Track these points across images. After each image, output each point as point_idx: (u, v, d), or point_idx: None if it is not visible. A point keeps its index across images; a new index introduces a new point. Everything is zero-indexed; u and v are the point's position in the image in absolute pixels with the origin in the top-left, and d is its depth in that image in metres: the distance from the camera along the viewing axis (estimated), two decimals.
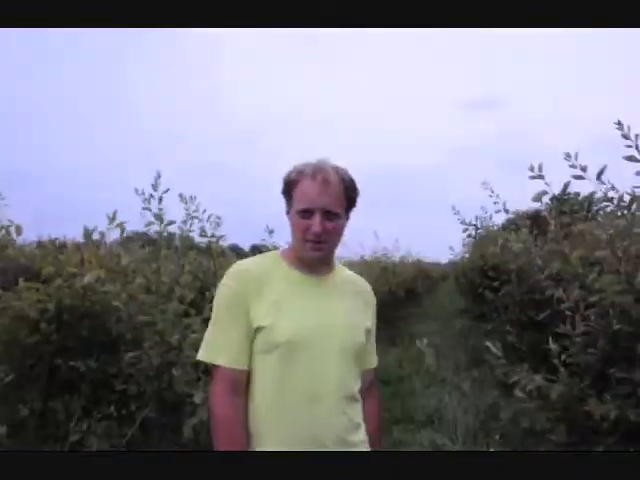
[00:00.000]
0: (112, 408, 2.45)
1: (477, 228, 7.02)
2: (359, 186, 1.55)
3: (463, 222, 7.42)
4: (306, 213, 1.48)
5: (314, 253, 1.50)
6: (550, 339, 2.64)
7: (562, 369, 2.46)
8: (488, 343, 2.64)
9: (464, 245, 8.70)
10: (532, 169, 2.76)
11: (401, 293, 10.92)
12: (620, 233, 2.56)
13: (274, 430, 1.45)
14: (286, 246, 1.67)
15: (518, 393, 2.40)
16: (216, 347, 1.48)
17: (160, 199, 2.98)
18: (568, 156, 2.45)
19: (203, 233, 3.46)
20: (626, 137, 2.33)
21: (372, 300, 1.71)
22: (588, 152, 2.51)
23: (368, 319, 1.65)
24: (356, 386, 1.57)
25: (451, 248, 8.75)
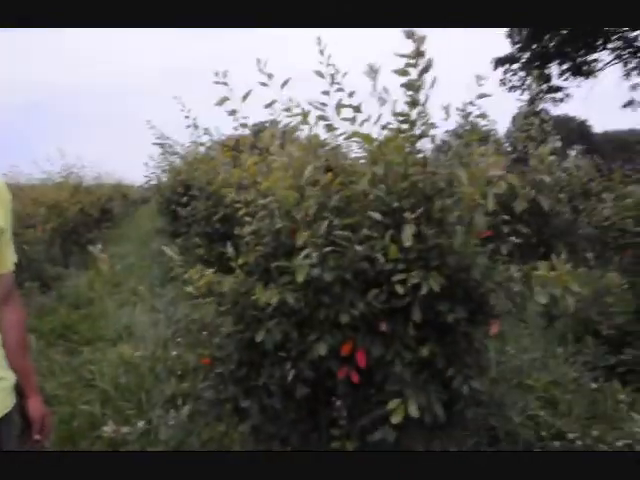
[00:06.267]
0: None
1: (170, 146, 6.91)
2: None
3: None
4: None
5: None
6: (228, 244, 2.77)
7: (238, 270, 2.62)
8: (163, 247, 2.63)
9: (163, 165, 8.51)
10: (217, 74, 2.50)
11: (95, 213, 10.35)
12: None
13: None
14: None
15: (190, 290, 2.46)
16: None
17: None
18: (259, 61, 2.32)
19: None
20: None
21: (6, 195, 1.47)
22: None
23: (0, 217, 1.43)
24: None
25: (146, 164, 8.49)
